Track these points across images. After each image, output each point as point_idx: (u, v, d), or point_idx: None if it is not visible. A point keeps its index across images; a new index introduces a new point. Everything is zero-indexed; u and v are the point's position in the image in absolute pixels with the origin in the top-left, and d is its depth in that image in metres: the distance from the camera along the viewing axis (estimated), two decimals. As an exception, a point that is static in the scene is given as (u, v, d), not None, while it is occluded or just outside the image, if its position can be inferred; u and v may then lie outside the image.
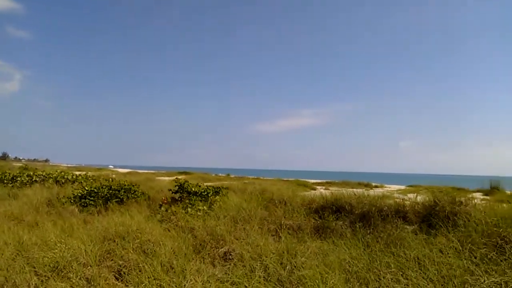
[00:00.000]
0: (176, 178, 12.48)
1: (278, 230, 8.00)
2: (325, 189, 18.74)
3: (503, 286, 4.52)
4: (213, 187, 11.96)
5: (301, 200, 10.57)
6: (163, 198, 11.14)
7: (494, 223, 6.54)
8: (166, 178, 25.42)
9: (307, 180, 27.96)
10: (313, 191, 16.95)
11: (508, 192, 17.20)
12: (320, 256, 6.19)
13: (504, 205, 8.33)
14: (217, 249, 6.80)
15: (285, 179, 28.24)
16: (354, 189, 12.41)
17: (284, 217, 8.90)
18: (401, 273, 5.14)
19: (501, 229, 6.21)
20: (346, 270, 5.45)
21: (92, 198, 11.79)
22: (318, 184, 24.99)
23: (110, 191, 12.21)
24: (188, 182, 11.78)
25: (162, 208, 10.04)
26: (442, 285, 4.69)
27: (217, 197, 11.21)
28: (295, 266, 5.65)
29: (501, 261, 5.28)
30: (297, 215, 9.08)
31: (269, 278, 5.37)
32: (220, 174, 37.56)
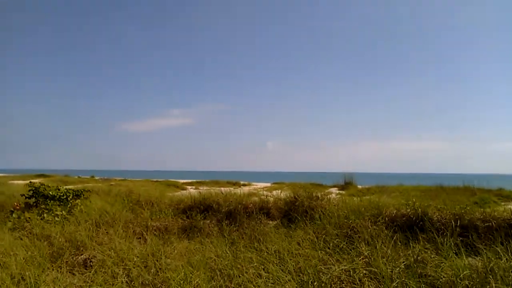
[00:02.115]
0: (30, 181, 11.42)
1: (144, 232, 7.78)
2: (195, 188, 18.84)
3: (351, 272, 4.96)
4: (73, 190, 11.19)
5: (169, 200, 10.47)
6: (15, 203, 10.10)
7: (345, 215, 7.19)
8: (21, 181, 23.14)
9: (177, 180, 27.81)
10: (183, 191, 16.92)
11: (360, 186, 19.09)
12: (186, 256, 6.17)
13: (355, 198, 9.20)
14: (76, 257, 6.40)
15: (155, 180, 27.70)
16: (223, 188, 12.67)
17: (151, 219, 8.72)
18: (262, 267, 5.35)
19: (351, 221, 6.84)
20: (211, 268, 5.51)
21: None
22: (189, 184, 25.02)
23: (-51, 199, 10.74)
24: (44, 185, 10.85)
25: (14, 215, 9.11)
26: (298, 275, 4.98)
27: (78, 200, 10.52)
28: (160, 268, 5.55)
29: (351, 250, 5.80)
30: (165, 216, 8.97)
31: (132, 283, 5.20)
32: (83, 176, 35.42)
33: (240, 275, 5.12)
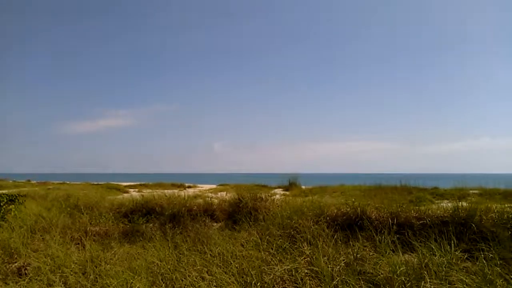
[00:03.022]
0: (-41, 186, 10.73)
1: (82, 238, 7.52)
2: (138, 191, 18.44)
3: (293, 272, 5.03)
4: (7, 194, 10.61)
5: (110, 204, 10.17)
6: None
7: (288, 215, 7.28)
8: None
9: (120, 183, 27.11)
10: (125, 194, 16.50)
11: (303, 187, 19.42)
12: (127, 261, 6.02)
13: (298, 199, 9.34)
14: (10, 265, 6.14)
15: (96, 183, 26.83)
16: (167, 190, 12.48)
17: (90, 224, 8.44)
18: (206, 269, 5.31)
19: (294, 221, 6.94)
20: (153, 273, 5.40)
21: None
22: (132, 187, 24.44)
23: None
24: (-25, 190, 10.24)
25: None
26: (242, 277, 4.99)
27: (12, 206, 9.98)
28: (99, 275, 5.38)
29: (293, 250, 5.88)
30: (105, 221, 8.71)
31: (69, 290, 5.02)
32: (19, 180, 33.70)
33: (183, 279, 5.06)
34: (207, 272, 5.22)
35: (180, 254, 6.14)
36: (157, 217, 8.89)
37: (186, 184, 25.86)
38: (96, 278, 5.30)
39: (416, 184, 17.64)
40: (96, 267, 5.66)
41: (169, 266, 5.58)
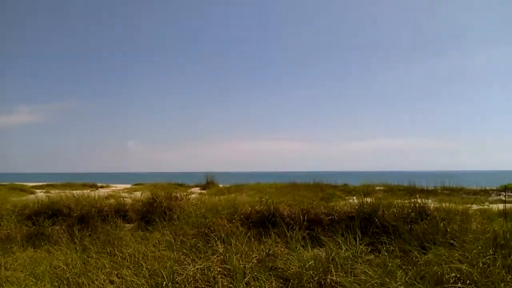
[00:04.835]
0: None
1: (-20, 243, 6.96)
2: (45, 192, 17.43)
3: (206, 271, 5.03)
4: None
5: (12, 206, 9.48)
6: None
7: (203, 214, 7.27)
8: None
9: (25, 183, 25.37)
10: (30, 195, 15.51)
11: (221, 185, 19.55)
12: (30, 266, 5.67)
13: (213, 197, 9.37)
14: None
15: (-2, 183, 24.85)
16: (77, 191, 11.92)
17: (-11, 227, 7.82)
18: (116, 272, 5.14)
19: (208, 220, 6.94)
20: (58, 278, 5.13)
21: None
22: (39, 187, 23.01)
23: None
24: None
25: None
26: (153, 278, 4.89)
27: None
28: (-3, 282, 5.01)
29: (207, 248, 5.88)
30: (6, 223, 8.12)
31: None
32: None
33: (90, 283, 4.86)
34: (116, 275, 5.06)
35: (88, 257, 5.89)
36: (64, 219, 8.43)
37: (99, 184, 24.85)
38: (-7, 286, 4.94)
39: (329, 182, 18.50)
40: (-5, 274, 5.27)
41: (75, 270, 5.34)
